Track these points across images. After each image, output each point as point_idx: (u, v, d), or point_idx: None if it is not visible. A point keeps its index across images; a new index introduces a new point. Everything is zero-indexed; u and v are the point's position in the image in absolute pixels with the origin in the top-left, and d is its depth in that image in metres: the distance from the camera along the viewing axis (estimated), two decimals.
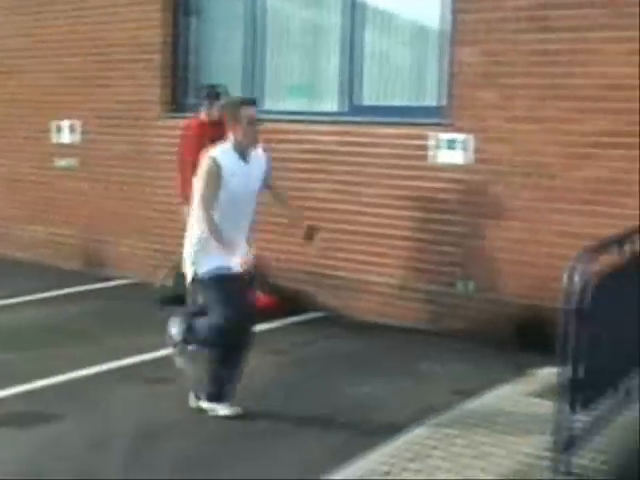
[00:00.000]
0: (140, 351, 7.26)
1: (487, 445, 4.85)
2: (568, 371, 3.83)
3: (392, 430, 5.36)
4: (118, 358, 7.12)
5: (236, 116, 5.80)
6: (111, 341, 7.70)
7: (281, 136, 8.82)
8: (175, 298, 8.84)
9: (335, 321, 8.62)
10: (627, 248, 4.27)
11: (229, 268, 5.63)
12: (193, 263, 5.83)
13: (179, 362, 6.06)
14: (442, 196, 8.15)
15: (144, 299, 9.08)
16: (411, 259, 8.43)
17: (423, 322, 8.30)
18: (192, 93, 10.12)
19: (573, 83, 7.49)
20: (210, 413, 5.86)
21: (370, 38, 8.96)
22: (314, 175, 8.92)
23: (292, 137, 9.05)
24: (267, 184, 6.13)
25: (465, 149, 7.98)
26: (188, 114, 9.32)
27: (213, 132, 8.42)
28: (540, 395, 5.54)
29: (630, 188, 7.18)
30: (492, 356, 7.22)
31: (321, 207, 8.61)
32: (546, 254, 7.43)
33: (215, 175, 5.65)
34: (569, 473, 3.87)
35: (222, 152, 5.78)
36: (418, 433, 5.14)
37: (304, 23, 9.66)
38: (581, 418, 4.04)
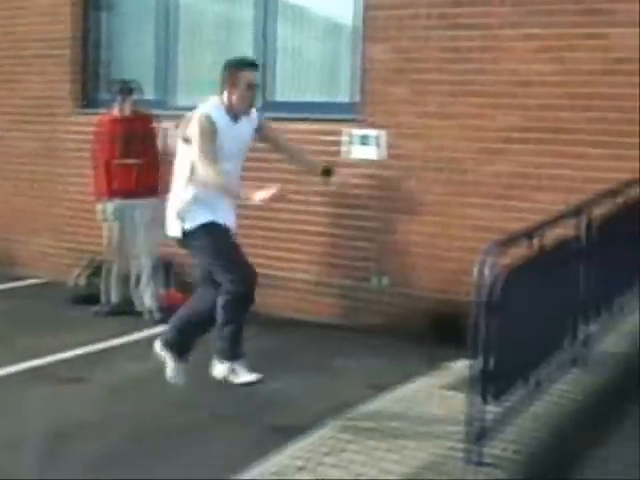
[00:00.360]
0: (52, 351, 7.14)
1: (401, 438, 4.87)
2: (479, 363, 3.87)
3: (307, 425, 5.34)
4: (29, 358, 7.00)
5: (234, 79, 5.51)
6: (22, 341, 7.56)
7: None
8: (88, 297, 8.74)
9: (250, 318, 8.55)
10: (536, 242, 4.33)
11: (223, 224, 5.58)
12: (183, 219, 5.59)
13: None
14: (356, 192, 8.18)
15: (56, 298, 8.94)
16: (325, 255, 8.46)
17: (338, 317, 8.33)
18: (104, 88, 9.97)
19: (484, 80, 7.59)
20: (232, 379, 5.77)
21: (283, 33, 8.96)
22: None
23: None
24: (264, 135, 5.88)
25: (378, 145, 8.03)
26: (100, 110, 9.19)
27: (126, 128, 8.35)
28: (454, 387, 5.58)
29: (540, 182, 7.32)
30: (407, 350, 7.27)
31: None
32: (459, 248, 7.52)
33: (210, 132, 5.40)
34: (481, 463, 3.92)
35: (215, 111, 5.52)
36: (333, 427, 5.13)
37: (217, 18, 9.62)
38: (492, 409, 4.09)
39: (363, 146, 8.11)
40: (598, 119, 7.18)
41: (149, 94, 9.29)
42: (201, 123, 5.40)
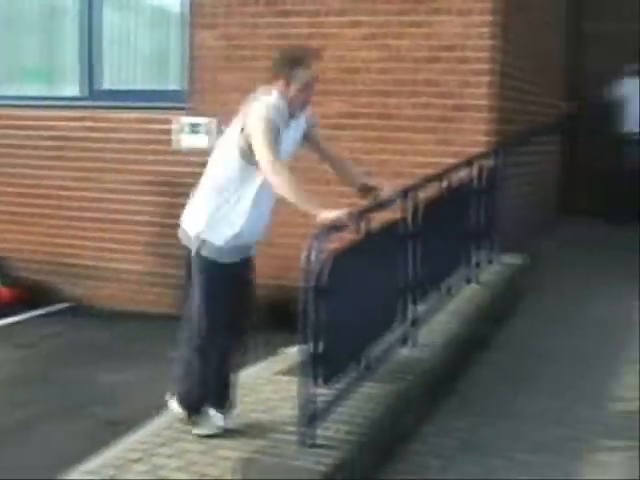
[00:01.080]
0: None
1: (238, 424, 4.90)
2: (309, 348, 3.91)
3: (142, 417, 5.30)
4: None
5: (293, 72, 4.58)
6: None
7: (18, 122, 8.52)
8: None
9: (84, 311, 8.45)
10: (363, 226, 4.40)
11: (248, 246, 4.91)
12: (204, 232, 4.76)
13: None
14: (187, 180, 8.07)
15: None
16: (158, 245, 8.38)
17: (173, 307, 8.24)
18: None
19: None
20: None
21: (110, 21, 8.80)
22: (54, 162, 8.68)
23: (30, 123, 8.76)
24: (312, 139, 4.97)
25: (208, 133, 7.99)
26: None
27: None
28: (290, 373, 5.63)
29: (369, 168, 7.42)
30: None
31: (62, 195, 8.41)
32: (291, 234, 7.56)
33: (276, 127, 4.51)
34: (314, 445, 3.97)
35: (277, 104, 4.60)
36: (169, 418, 5.11)
37: (41, 5, 9.34)
38: (324, 392, 4.15)
39: (193, 134, 8.07)
40: (423, 105, 7.37)
41: None
42: (267, 116, 4.50)
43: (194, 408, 4.87)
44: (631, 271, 8.08)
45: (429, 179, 5.67)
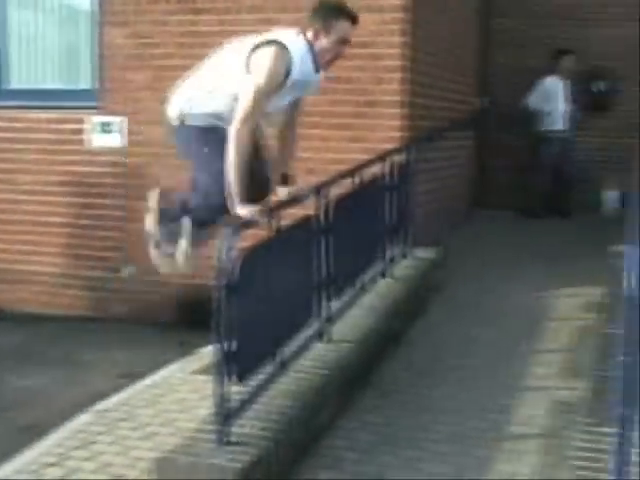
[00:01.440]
0: None
1: (154, 425, 4.86)
2: (223, 346, 3.91)
3: (56, 420, 5.24)
4: None
5: (329, 24, 4.43)
6: None
7: None
8: None
9: None
10: (274, 223, 4.41)
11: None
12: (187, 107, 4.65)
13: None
14: (100, 180, 8.05)
15: None
16: (72, 246, 8.28)
17: (89, 310, 8.19)
18: None
19: None
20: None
21: (17, 19, 8.64)
22: None
23: None
24: (296, 104, 4.78)
25: (120, 132, 7.92)
26: None
27: None
28: (205, 372, 5.61)
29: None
30: (159, 338, 7.27)
31: None
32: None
33: (282, 76, 4.32)
34: (230, 443, 3.97)
35: (299, 50, 4.39)
36: (83, 421, 5.06)
37: None
38: (239, 390, 4.15)
39: (105, 134, 7.98)
40: (337, 102, 7.40)
41: None
42: (278, 59, 4.30)
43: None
44: (543, 263, 8.26)
45: (342, 175, 5.70)
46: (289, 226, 4.62)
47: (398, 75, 7.40)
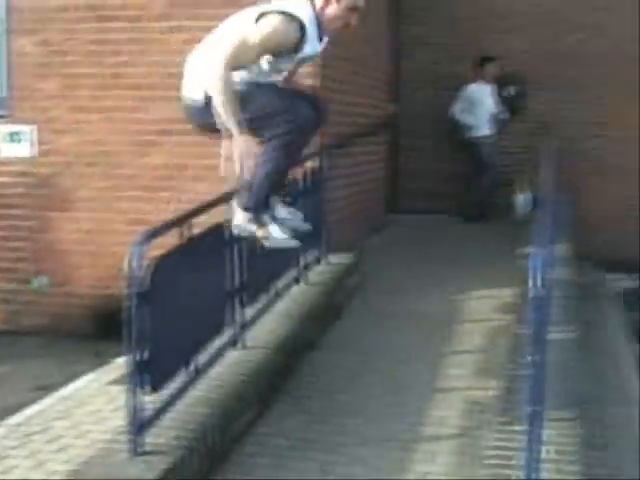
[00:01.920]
0: None
1: (68, 437, 4.79)
2: (135, 355, 3.89)
3: None
4: None
5: None
6: None
7: None
8: None
9: None
10: (185, 231, 4.40)
11: None
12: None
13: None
14: (9, 191, 7.92)
15: None
16: None
17: (1, 323, 8.03)
18: None
19: (135, 72, 7.61)
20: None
21: None
22: None
23: None
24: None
25: (29, 141, 7.81)
26: None
27: None
28: (120, 382, 5.56)
29: (197, 173, 7.43)
30: (73, 349, 7.17)
31: None
32: (118, 242, 7.46)
33: (283, 43, 4.09)
34: (145, 452, 3.95)
35: (308, 18, 4.13)
36: None
37: None
38: (153, 399, 4.14)
39: (13, 143, 7.86)
40: None
41: None
42: (285, 25, 4.06)
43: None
44: (459, 266, 8.37)
45: None
46: (201, 233, 4.61)
47: (308, 82, 7.42)
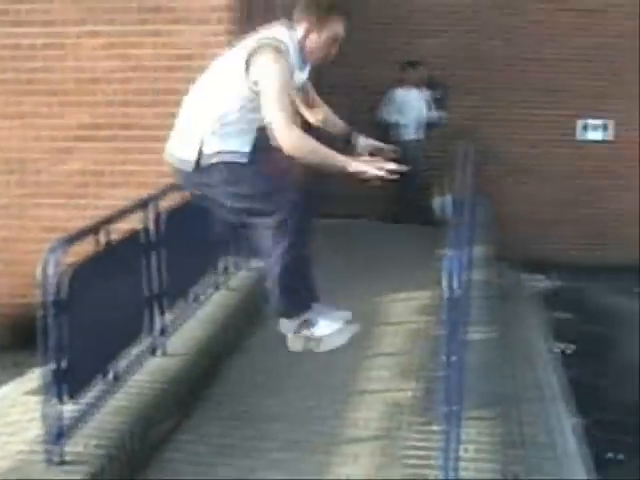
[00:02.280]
0: None
1: None
2: (51, 365, 3.85)
3: None
4: None
5: (322, 22, 4.04)
6: None
7: None
8: None
9: None
10: (102, 237, 4.37)
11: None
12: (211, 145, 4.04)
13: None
14: None
15: None
16: None
17: None
18: None
19: (51, 77, 7.50)
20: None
21: None
22: None
23: None
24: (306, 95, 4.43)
25: None
26: None
27: None
28: (37, 392, 5.49)
29: (114, 179, 7.37)
30: None
31: None
32: (35, 250, 7.31)
33: (290, 73, 3.99)
34: (63, 462, 3.92)
35: (291, 46, 4.03)
36: None
37: None
38: (70, 408, 4.09)
39: None
40: (165, 114, 7.34)
41: None
42: (280, 57, 3.93)
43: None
44: (380, 269, 8.42)
45: (170, 188, 5.66)
46: (118, 240, 4.58)
47: None
